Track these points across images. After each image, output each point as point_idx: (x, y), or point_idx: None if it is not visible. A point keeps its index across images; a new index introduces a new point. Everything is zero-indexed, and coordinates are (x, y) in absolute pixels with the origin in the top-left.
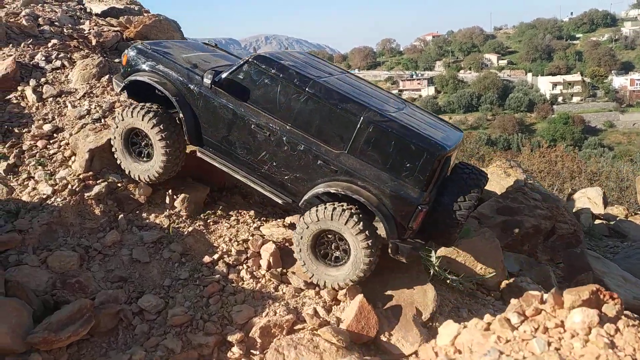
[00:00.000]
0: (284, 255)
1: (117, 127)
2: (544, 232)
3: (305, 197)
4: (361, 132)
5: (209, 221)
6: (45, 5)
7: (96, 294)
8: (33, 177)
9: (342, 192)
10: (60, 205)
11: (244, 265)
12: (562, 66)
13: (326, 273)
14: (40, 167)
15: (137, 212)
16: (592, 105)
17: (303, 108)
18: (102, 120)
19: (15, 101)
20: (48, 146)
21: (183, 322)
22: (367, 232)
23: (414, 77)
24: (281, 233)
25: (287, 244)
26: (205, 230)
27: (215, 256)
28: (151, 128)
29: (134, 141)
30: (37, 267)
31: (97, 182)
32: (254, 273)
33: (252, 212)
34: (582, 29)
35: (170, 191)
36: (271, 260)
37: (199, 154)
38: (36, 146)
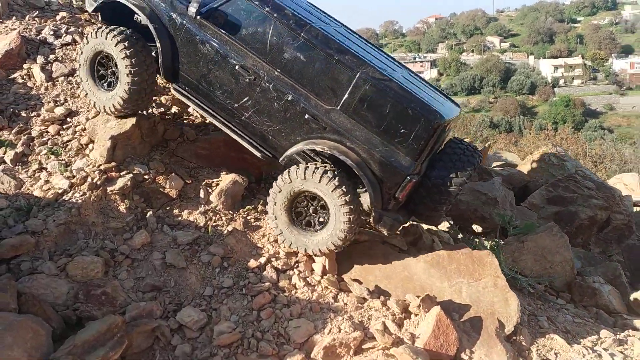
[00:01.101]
0: (339, 258)
1: (82, 51)
2: (598, 224)
3: (287, 152)
4: (357, 89)
5: (249, 218)
6: None
7: (126, 307)
8: (45, 169)
9: (328, 152)
10: (80, 201)
11: (295, 270)
12: (564, 49)
13: (305, 239)
14: (53, 156)
15: (168, 208)
16: (592, 89)
17: (296, 54)
18: None
19: (21, 81)
20: (61, 132)
21: (232, 342)
22: (343, 188)
23: (417, 59)
24: None
25: None
26: (246, 229)
27: (262, 259)
28: (115, 46)
29: (101, 71)
30: (55, 276)
31: (121, 174)
32: (308, 279)
33: None
34: (583, 12)
35: (204, 183)
36: (326, 264)
37: (172, 91)
38: (47, 132)
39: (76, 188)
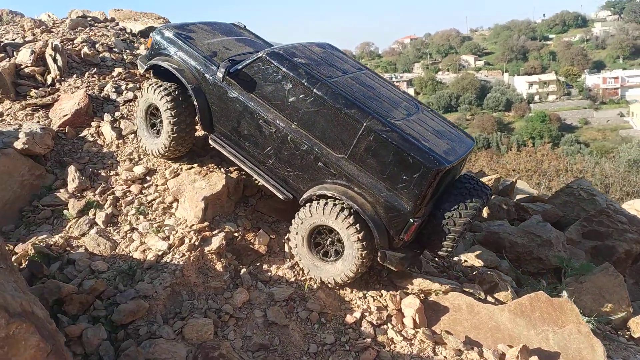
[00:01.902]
0: (426, 309)
1: (138, 103)
2: (633, 256)
3: (305, 195)
4: (362, 140)
5: None
6: (92, 28)
7: None
8: (136, 229)
9: (337, 197)
10: (181, 262)
11: (389, 324)
12: (537, 66)
13: (321, 268)
14: (141, 216)
15: (258, 264)
16: (567, 104)
17: (309, 109)
18: (197, 159)
19: (91, 139)
20: (143, 191)
21: None
22: (357, 226)
23: (393, 79)
24: (418, 284)
25: (426, 297)
26: None
27: (357, 314)
28: (159, 100)
29: (153, 122)
30: (172, 340)
31: (214, 232)
32: (403, 333)
33: None
34: (554, 29)
35: (287, 237)
36: (417, 318)
37: (210, 141)
38: (130, 191)
39: (176, 249)
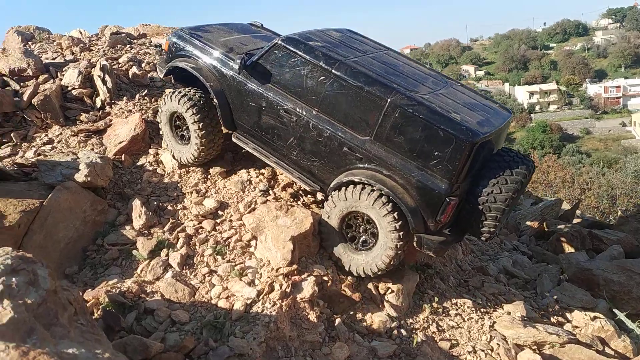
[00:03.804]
0: None
1: (161, 110)
2: None
3: (332, 185)
4: (387, 117)
5: (437, 320)
6: (132, 45)
7: None
8: (215, 272)
9: (365, 181)
10: (274, 313)
11: None
12: (538, 75)
13: (352, 258)
14: (219, 257)
15: (352, 312)
16: (568, 113)
17: (329, 91)
18: (271, 192)
19: (150, 168)
20: (217, 227)
21: None
22: (395, 215)
23: None
24: (531, 335)
25: (540, 349)
26: (437, 334)
27: None
28: (186, 112)
29: (177, 124)
30: None
31: (303, 277)
32: None
33: (467, 302)
34: (555, 38)
35: (379, 285)
36: None
37: (233, 139)
38: (202, 228)
39: (265, 297)
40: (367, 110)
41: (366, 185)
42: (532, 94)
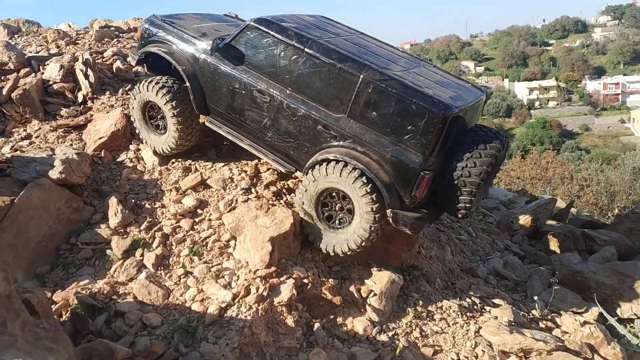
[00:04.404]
0: None
1: (134, 99)
2: None
3: (307, 165)
4: (360, 93)
5: (420, 324)
6: (120, 39)
7: None
8: (191, 273)
9: (340, 159)
10: (249, 317)
11: None
12: (538, 72)
13: (329, 236)
14: (196, 257)
15: (332, 316)
16: (567, 110)
17: (302, 70)
18: (253, 190)
19: (130, 164)
20: (195, 227)
21: None
22: (369, 191)
23: None
24: (518, 342)
25: (526, 356)
26: (418, 341)
27: None
28: (164, 104)
29: (152, 114)
30: None
31: (282, 279)
32: None
33: (453, 305)
34: (554, 35)
35: (361, 287)
36: None
37: (207, 123)
38: (180, 227)
39: (241, 301)
40: (341, 87)
41: (344, 164)
42: (531, 90)
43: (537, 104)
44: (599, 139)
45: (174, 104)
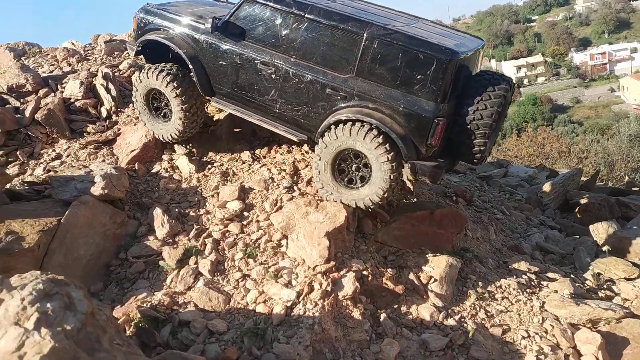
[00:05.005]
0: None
1: (136, 89)
2: None
3: (320, 130)
4: (366, 50)
5: (484, 306)
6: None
7: None
8: (249, 276)
9: (353, 117)
10: (317, 314)
11: None
12: (523, 49)
13: (346, 195)
14: (250, 260)
15: (395, 306)
16: (557, 84)
17: (305, 36)
18: (295, 188)
19: (166, 174)
20: (244, 229)
21: None
22: (386, 146)
23: None
24: (586, 313)
25: (594, 326)
26: (485, 321)
27: (530, 359)
28: (166, 87)
29: (156, 105)
30: None
31: (342, 273)
32: None
33: (512, 283)
34: (537, 10)
35: (420, 274)
36: (600, 356)
37: (213, 104)
38: (229, 232)
39: (306, 298)
40: (345, 47)
41: (355, 122)
42: (519, 68)
43: (525, 81)
44: (591, 110)
45: (178, 88)
